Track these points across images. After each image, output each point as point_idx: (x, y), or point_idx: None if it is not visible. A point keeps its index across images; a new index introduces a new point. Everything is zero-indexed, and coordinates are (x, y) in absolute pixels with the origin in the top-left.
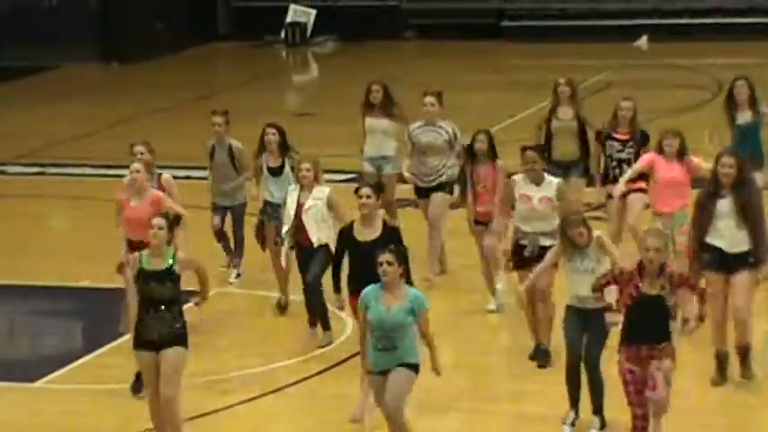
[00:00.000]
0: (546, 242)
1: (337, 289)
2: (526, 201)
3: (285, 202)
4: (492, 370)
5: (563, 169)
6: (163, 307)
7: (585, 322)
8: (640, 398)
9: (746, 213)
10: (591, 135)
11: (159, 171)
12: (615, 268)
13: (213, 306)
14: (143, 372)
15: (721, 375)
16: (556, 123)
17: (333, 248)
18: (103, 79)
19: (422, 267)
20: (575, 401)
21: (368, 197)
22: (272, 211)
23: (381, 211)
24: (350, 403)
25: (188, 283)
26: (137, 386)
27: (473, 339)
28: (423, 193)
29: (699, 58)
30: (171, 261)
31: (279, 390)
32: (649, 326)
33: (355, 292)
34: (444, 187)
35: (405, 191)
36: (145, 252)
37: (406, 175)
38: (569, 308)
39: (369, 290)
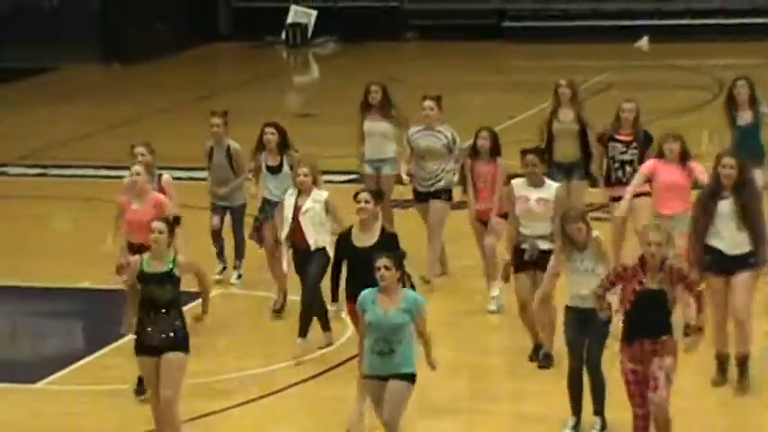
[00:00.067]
0: (544, 246)
1: (335, 298)
2: (524, 202)
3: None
4: (492, 370)
5: (564, 171)
6: (163, 310)
7: (586, 323)
8: (642, 398)
9: (747, 215)
10: (592, 137)
11: (160, 172)
12: (617, 266)
13: (213, 307)
14: (144, 376)
15: (722, 375)
16: (557, 125)
17: (330, 252)
18: (104, 80)
19: (422, 268)
20: (577, 406)
21: (366, 202)
22: (270, 209)
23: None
24: (349, 405)
25: (188, 284)
26: (139, 389)
27: (473, 340)
28: (422, 197)
29: (700, 59)
30: (171, 264)
31: (278, 391)
32: (651, 319)
33: (353, 296)
34: (442, 193)
35: (406, 192)
36: (145, 255)
37: (405, 178)
38: (569, 308)
39: (366, 293)
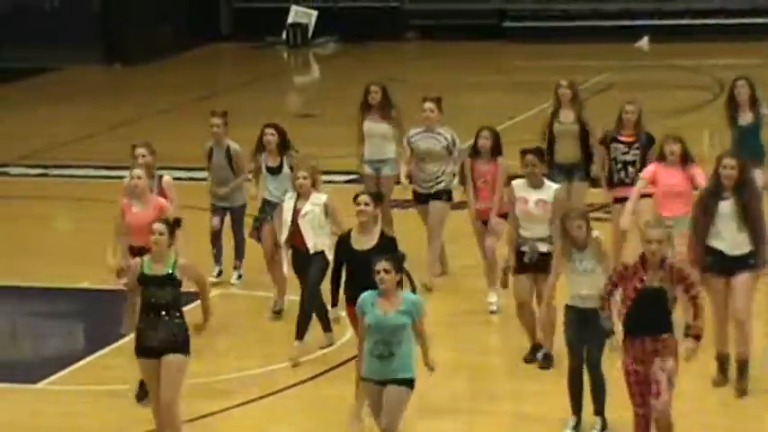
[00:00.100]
0: (544, 248)
1: (335, 302)
2: (523, 204)
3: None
4: (492, 371)
5: (565, 172)
6: (163, 312)
7: (585, 323)
8: (643, 398)
9: (748, 215)
10: (592, 138)
11: (160, 173)
12: (618, 266)
13: (213, 307)
14: (145, 378)
15: (723, 376)
16: (557, 126)
17: (329, 256)
18: (105, 81)
19: (423, 269)
20: (577, 406)
21: (366, 205)
22: (270, 209)
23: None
24: (349, 405)
25: (189, 284)
26: (140, 394)
27: (473, 340)
28: (422, 199)
29: (700, 59)
30: (172, 267)
31: (278, 391)
32: (652, 317)
33: (352, 299)
34: (443, 195)
35: (406, 192)
36: (146, 257)
37: (403, 180)
38: (569, 308)
39: (366, 296)
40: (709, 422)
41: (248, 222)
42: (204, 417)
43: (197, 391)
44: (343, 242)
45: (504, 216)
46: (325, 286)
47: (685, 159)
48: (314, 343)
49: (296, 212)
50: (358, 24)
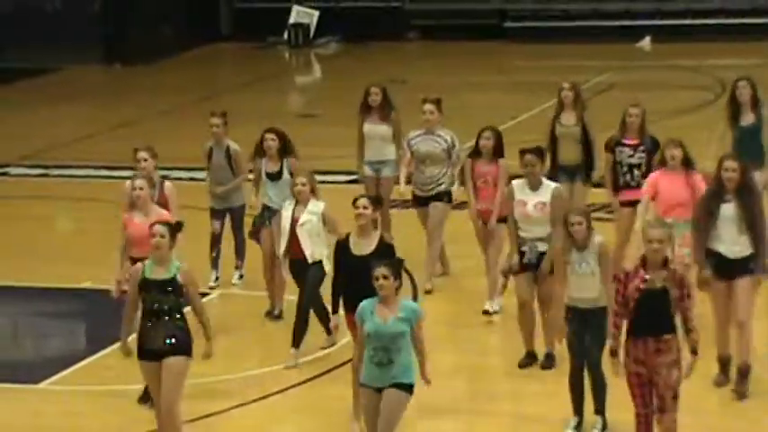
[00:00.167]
0: (543, 248)
1: (336, 309)
2: (521, 206)
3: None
4: (492, 371)
5: (568, 174)
6: (165, 315)
7: (585, 323)
8: (644, 399)
9: (749, 218)
10: (593, 140)
11: (162, 178)
12: (619, 275)
13: (214, 308)
14: (147, 381)
15: (724, 376)
16: (559, 129)
17: (326, 265)
18: (106, 81)
19: (422, 270)
20: (578, 406)
21: (365, 208)
22: (269, 215)
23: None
24: (350, 406)
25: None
26: (144, 398)
27: (473, 340)
28: (421, 201)
29: (701, 59)
30: (174, 272)
31: (279, 392)
32: (655, 318)
33: (350, 307)
34: (443, 196)
35: (406, 192)
36: (147, 261)
37: (402, 186)
38: (569, 308)
39: (365, 304)
40: (710, 423)
41: (248, 222)
42: (205, 417)
43: (198, 392)
44: (341, 246)
45: (503, 220)
46: (326, 290)
47: (686, 164)
48: (314, 344)
49: (294, 221)
50: (359, 24)
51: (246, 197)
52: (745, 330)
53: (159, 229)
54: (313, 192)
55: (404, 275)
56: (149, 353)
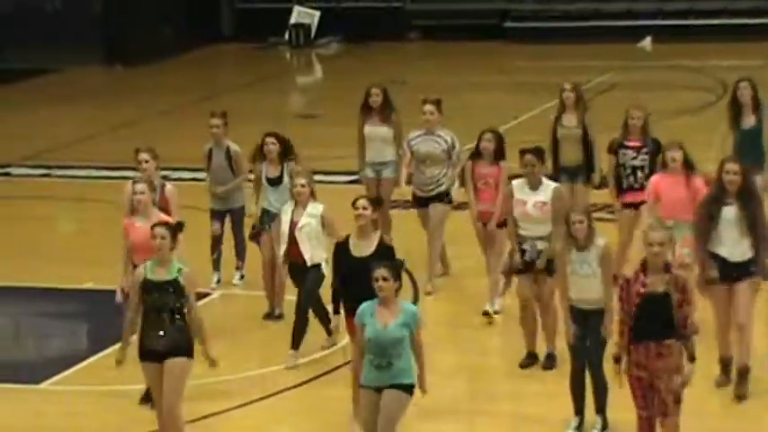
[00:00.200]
0: (543, 246)
1: (337, 310)
2: (521, 206)
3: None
4: (492, 372)
5: (569, 175)
6: (166, 316)
7: (586, 324)
8: (646, 401)
9: (751, 221)
10: (598, 144)
11: (164, 181)
12: (621, 283)
13: (215, 308)
14: (148, 383)
15: (726, 377)
16: (560, 130)
17: (324, 269)
18: (107, 82)
19: (424, 269)
20: (579, 407)
21: (364, 209)
22: (269, 220)
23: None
24: (350, 407)
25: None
26: (146, 398)
27: (473, 341)
28: (422, 202)
29: (703, 60)
30: (176, 274)
31: (279, 393)
32: (656, 322)
33: (350, 310)
34: (443, 197)
35: (407, 193)
36: (149, 262)
37: (403, 185)
38: (570, 309)
39: (365, 306)
40: (712, 424)
41: (248, 223)
42: (205, 418)
43: (198, 393)
44: (341, 247)
45: (502, 225)
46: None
47: (687, 166)
48: (315, 344)
49: (293, 225)
50: (360, 25)
51: (246, 198)
52: (746, 333)
53: (160, 230)
54: (312, 194)
55: (404, 276)
56: (151, 354)
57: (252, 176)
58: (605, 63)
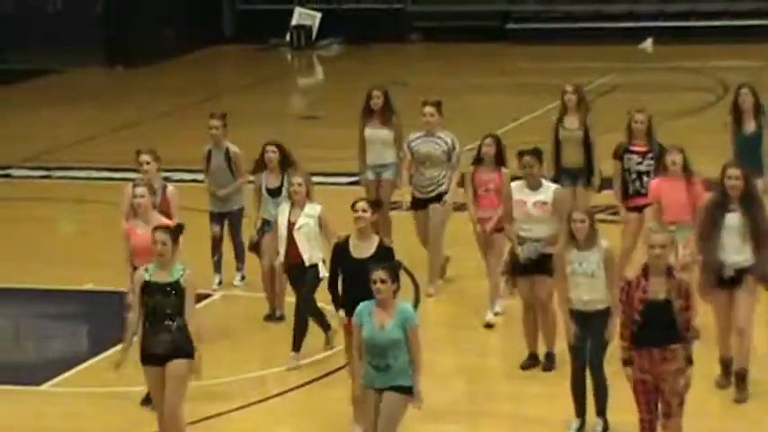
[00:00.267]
0: (544, 249)
1: (339, 305)
2: (521, 206)
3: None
4: (492, 373)
5: (571, 177)
6: (168, 319)
7: (587, 325)
8: (649, 406)
9: (754, 227)
10: (598, 147)
11: (165, 182)
12: (623, 286)
13: (215, 309)
14: (149, 386)
15: (726, 378)
16: (562, 132)
17: (322, 269)
18: (108, 83)
19: (424, 270)
20: (581, 408)
21: (364, 211)
22: (269, 229)
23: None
24: (350, 408)
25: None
26: (147, 400)
27: (474, 342)
28: (420, 204)
29: (704, 61)
30: (177, 276)
31: (279, 394)
32: (659, 329)
33: (347, 308)
34: (442, 198)
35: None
36: (150, 265)
37: (406, 185)
38: (570, 311)
39: (362, 306)
40: (713, 426)
41: (247, 224)
42: (205, 419)
43: (198, 394)
44: (341, 248)
45: (501, 229)
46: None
47: (687, 169)
48: (315, 346)
49: (291, 225)
50: (362, 26)
51: (246, 201)
52: (745, 337)
53: (161, 236)
54: (308, 195)
55: (405, 278)
56: (152, 357)
57: (252, 177)
58: (607, 65)
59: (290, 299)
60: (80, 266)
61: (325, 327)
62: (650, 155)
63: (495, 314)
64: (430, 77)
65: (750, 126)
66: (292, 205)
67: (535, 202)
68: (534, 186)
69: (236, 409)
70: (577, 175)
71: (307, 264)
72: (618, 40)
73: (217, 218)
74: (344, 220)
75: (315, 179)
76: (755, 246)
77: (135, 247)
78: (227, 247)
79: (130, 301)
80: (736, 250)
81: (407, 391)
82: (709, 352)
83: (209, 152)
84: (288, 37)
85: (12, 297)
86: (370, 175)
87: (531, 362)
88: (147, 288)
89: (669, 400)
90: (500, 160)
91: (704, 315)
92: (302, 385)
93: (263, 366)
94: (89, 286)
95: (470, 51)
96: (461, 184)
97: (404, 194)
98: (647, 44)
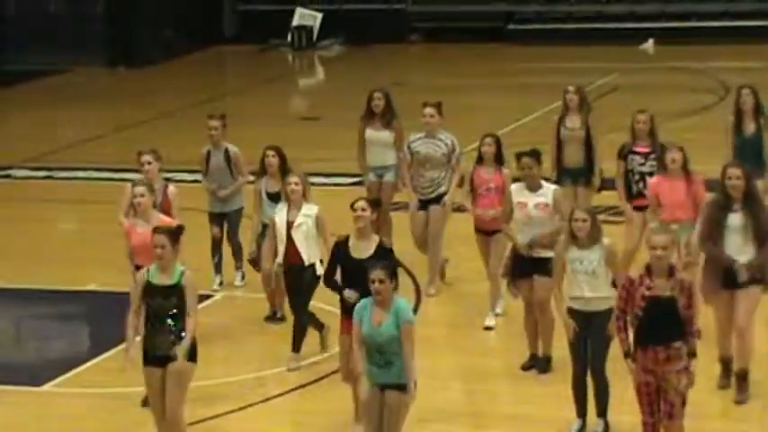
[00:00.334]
0: (544, 252)
1: (340, 290)
2: (522, 208)
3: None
4: (493, 374)
5: (572, 177)
6: (169, 321)
7: (587, 325)
8: (652, 407)
9: (757, 227)
10: (600, 147)
11: (166, 182)
12: (624, 282)
13: (216, 310)
14: (147, 387)
15: (726, 379)
16: (564, 132)
17: (319, 269)
18: (110, 83)
19: (424, 269)
20: (582, 409)
21: (363, 210)
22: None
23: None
24: (350, 409)
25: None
26: (147, 400)
27: (474, 343)
28: (420, 205)
29: (705, 62)
30: (178, 278)
31: (279, 395)
32: (663, 326)
33: (345, 307)
34: (442, 199)
35: (407, 194)
36: (151, 266)
37: (408, 186)
38: (570, 311)
39: (362, 303)
40: (713, 426)
41: (247, 224)
42: (204, 421)
43: (197, 395)
44: (340, 247)
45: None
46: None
47: (686, 168)
48: (315, 347)
49: (289, 225)
50: (362, 27)
51: (246, 201)
52: (745, 337)
53: (160, 239)
54: (305, 195)
55: (407, 279)
56: (154, 358)
57: (252, 178)
58: (608, 65)
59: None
60: (81, 267)
61: (319, 326)
62: (653, 155)
63: (496, 315)
64: (430, 78)
65: (750, 127)
66: (289, 205)
67: (536, 204)
68: (534, 188)
69: (237, 409)
70: (578, 175)
71: (306, 263)
72: (619, 40)
73: (216, 219)
74: (345, 220)
75: (315, 180)
76: (758, 245)
77: (135, 246)
78: (227, 248)
79: (132, 299)
80: (737, 250)
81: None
82: (709, 352)
83: (209, 153)
84: (288, 37)
85: (12, 297)
86: (371, 177)
87: (532, 362)
88: (149, 290)
89: (672, 400)
90: (500, 159)
91: (704, 315)
92: (302, 386)
93: (263, 367)
94: (91, 287)
95: (471, 52)
96: (461, 184)
97: (406, 197)
98: (649, 45)
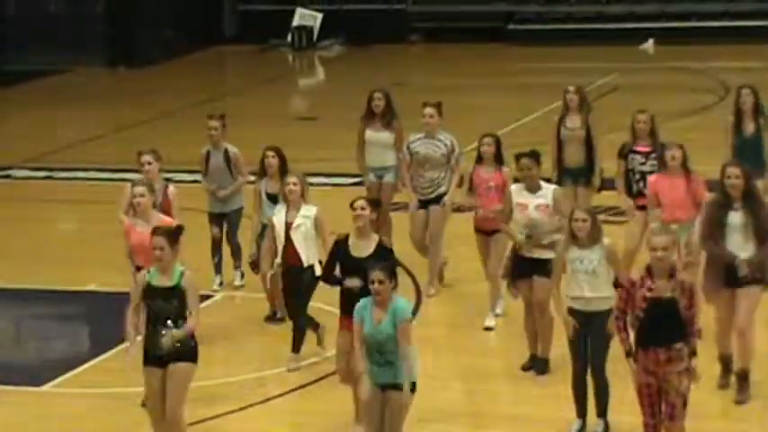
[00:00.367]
0: (544, 253)
1: (340, 282)
2: (522, 210)
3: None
4: (493, 374)
5: (573, 177)
6: (170, 322)
7: (587, 325)
8: (653, 409)
9: (757, 226)
10: (600, 147)
11: (166, 182)
12: (625, 283)
13: (216, 310)
14: (146, 388)
15: (726, 378)
16: (564, 132)
17: (317, 270)
18: (110, 83)
19: (424, 270)
20: (582, 410)
21: (362, 209)
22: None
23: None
24: (351, 409)
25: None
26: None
27: (473, 343)
28: (420, 205)
29: (705, 62)
30: (178, 279)
31: (279, 396)
32: (665, 328)
33: (345, 307)
34: (442, 199)
35: (408, 195)
36: (152, 268)
37: (408, 187)
38: (570, 311)
39: (362, 303)
40: (714, 427)
41: (246, 224)
42: (204, 421)
43: (197, 396)
44: (340, 245)
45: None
46: (325, 294)
47: (686, 166)
48: (315, 347)
49: (287, 226)
50: (362, 27)
51: (245, 200)
52: (745, 337)
53: (158, 241)
54: (303, 195)
55: (407, 279)
56: (155, 359)
57: (252, 178)
58: (608, 65)
59: None
60: (81, 267)
61: (314, 326)
62: (654, 155)
63: (496, 315)
64: (430, 78)
65: (750, 127)
66: (288, 206)
67: (537, 205)
68: (533, 189)
69: (237, 410)
70: (579, 175)
71: (305, 264)
72: (619, 40)
73: (216, 219)
74: (344, 220)
75: (315, 180)
76: (758, 243)
77: (134, 246)
78: (227, 248)
79: (132, 297)
80: (738, 248)
81: (411, 387)
82: (710, 352)
83: (208, 153)
84: (289, 38)
85: (12, 297)
86: (371, 178)
87: (532, 363)
88: (149, 292)
89: (674, 401)
90: (500, 159)
91: (704, 315)
92: (302, 386)
93: (263, 367)
94: (91, 287)
95: (471, 52)
96: (461, 184)
97: (405, 197)
98: (649, 45)
